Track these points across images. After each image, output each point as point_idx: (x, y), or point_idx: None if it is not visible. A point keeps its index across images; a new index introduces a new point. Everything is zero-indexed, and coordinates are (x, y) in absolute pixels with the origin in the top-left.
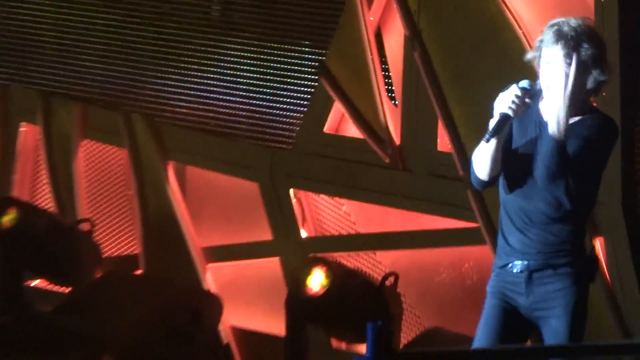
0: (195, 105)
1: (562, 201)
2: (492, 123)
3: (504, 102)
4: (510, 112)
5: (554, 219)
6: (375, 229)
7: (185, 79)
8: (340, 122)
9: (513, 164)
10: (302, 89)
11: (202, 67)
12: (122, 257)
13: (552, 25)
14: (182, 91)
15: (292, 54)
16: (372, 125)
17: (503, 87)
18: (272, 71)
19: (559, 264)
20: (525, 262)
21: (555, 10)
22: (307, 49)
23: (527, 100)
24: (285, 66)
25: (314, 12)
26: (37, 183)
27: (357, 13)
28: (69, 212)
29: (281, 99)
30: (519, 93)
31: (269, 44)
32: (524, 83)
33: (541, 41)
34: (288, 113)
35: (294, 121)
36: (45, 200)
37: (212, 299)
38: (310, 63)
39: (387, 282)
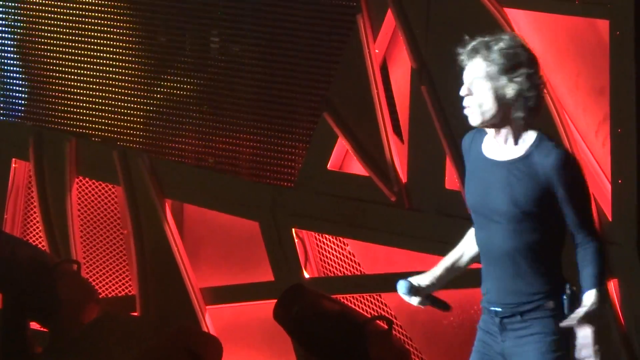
0: (193, 141)
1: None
2: None
3: None
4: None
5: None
6: (380, 269)
7: (183, 113)
8: (344, 158)
9: None
10: (305, 124)
11: (201, 102)
12: (118, 298)
13: None
14: (180, 126)
15: (295, 87)
16: (378, 162)
17: None
18: (273, 105)
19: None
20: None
21: (568, 39)
22: (310, 83)
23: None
24: (288, 100)
25: (317, 44)
26: (29, 221)
27: (362, 45)
28: (63, 251)
29: (283, 135)
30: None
31: (270, 78)
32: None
33: None
34: (290, 149)
35: (296, 158)
36: (38, 238)
37: (210, 341)
38: (313, 97)
39: (377, 325)
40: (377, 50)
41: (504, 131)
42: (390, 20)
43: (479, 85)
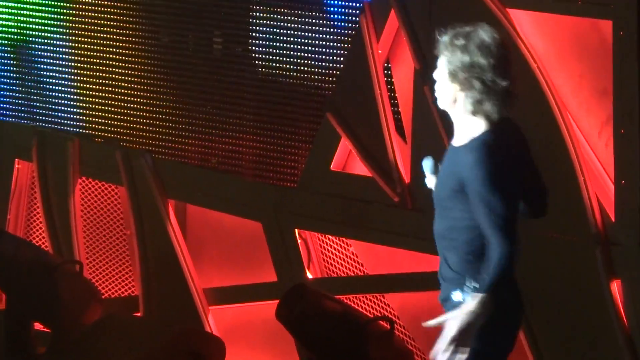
0: (196, 141)
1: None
2: None
3: None
4: None
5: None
6: (383, 270)
7: (186, 113)
8: (347, 159)
9: None
10: (308, 124)
11: (204, 102)
12: (120, 299)
13: None
14: (183, 126)
15: (298, 88)
16: (381, 162)
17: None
18: (276, 106)
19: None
20: None
21: (572, 43)
22: (313, 83)
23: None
24: (291, 101)
25: (321, 45)
26: (32, 221)
27: (365, 46)
28: (65, 251)
29: (286, 135)
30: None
31: (273, 78)
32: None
33: None
34: (293, 150)
35: (299, 158)
36: (41, 239)
37: (214, 342)
38: (316, 98)
39: (379, 326)
40: (380, 51)
41: (457, 119)
42: (393, 20)
43: (441, 75)
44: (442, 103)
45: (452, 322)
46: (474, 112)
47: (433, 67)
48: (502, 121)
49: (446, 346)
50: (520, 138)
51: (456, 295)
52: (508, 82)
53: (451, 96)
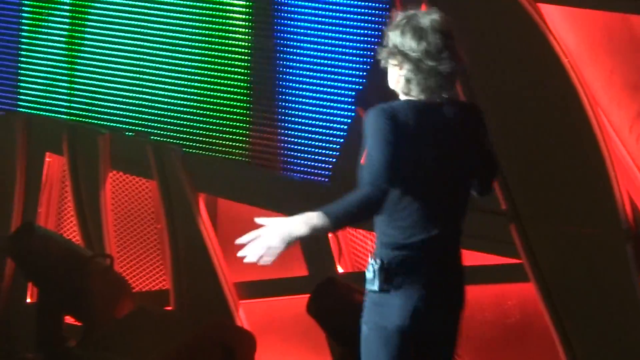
0: (227, 135)
1: None
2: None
3: None
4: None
5: None
6: None
7: (217, 107)
8: None
9: None
10: (339, 119)
11: (234, 95)
12: (151, 293)
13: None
14: (214, 120)
15: (329, 82)
16: None
17: (545, 114)
18: (307, 100)
19: None
20: None
21: (603, 38)
22: (343, 78)
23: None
24: (322, 95)
25: (351, 40)
26: (63, 215)
27: None
28: (96, 245)
29: (317, 129)
30: None
31: (304, 73)
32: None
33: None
34: (324, 144)
35: (331, 152)
36: (72, 233)
37: (244, 336)
38: (347, 92)
39: None
40: None
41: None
42: None
43: (383, 55)
44: (389, 83)
45: (267, 229)
46: (405, 92)
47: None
48: (432, 100)
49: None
50: (465, 117)
51: (369, 267)
52: (441, 65)
53: (394, 76)
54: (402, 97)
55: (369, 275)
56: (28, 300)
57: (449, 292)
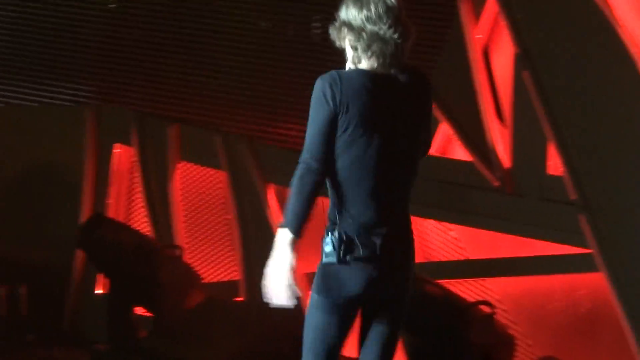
0: (296, 125)
1: None
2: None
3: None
4: None
5: None
6: (484, 254)
7: (286, 98)
8: (446, 144)
9: None
10: None
11: (303, 86)
12: (221, 284)
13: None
14: (282, 111)
15: None
16: (480, 147)
17: (615, 106)
18: None
19: None
20: None
21: None
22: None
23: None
24: None
25: (419, 30)
26: (132, 206)
27: (464, 31)
28: (166, 236)
29: None
30: None
31: None
32: None
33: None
34: None
35: None
36: (141, 223)
37: None
38: None
39: (479, 310)
40: (480, 35)
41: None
42: (492, 5)
43: (334, 29)
44: (347, 63)
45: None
46: (356, 62)
47: (539, 53)
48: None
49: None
50: (417, 89)
51: (326, 239)
52: (381, 30)
53: (347, 51)
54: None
55: (327, 248)
56: (98, 291)
57: (401, 259)
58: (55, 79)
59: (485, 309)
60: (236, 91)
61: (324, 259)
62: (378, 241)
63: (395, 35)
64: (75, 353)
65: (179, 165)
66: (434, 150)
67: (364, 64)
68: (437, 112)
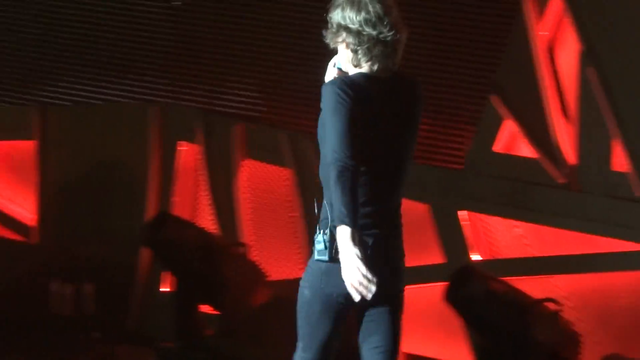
0: None
1: None
2: None
3: None
4: None
5: None
6: (549, 252)
7: None
8: (511, 141)
9: None
10: (472, 106)
11: None
12: (288, 282)
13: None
14: None
15: (462, 70)
16: (545, 144)
17: None
18: (441, 88)
19: None
20: None
21: None
22: (476, 66)
23: None
24: (455, 83)
25: (483, 26)
26: (197, 203)
27: (528, 27)
28: (231, 234)
29: (451, 117)
30: None
31: (437, 60)
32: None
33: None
34: (458, 132)
35: (464, 140)
36: (206, 221)
37: None
38: (479, 80)
39: (545, 308)
40: (544, 32)
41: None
42: (556, 1)
43: (330, 35)
44: (341, 63)
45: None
46: (355, 65)
47: (603, 50)
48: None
49: (351, 286)
50: (412, 92)
51: (318, 237)
52: (382, 33)
53: (343, 54)
54: (354, 71)
55: (319, 246)
56: (164, 289)
57: (394, 259)
58: (122, 77)
59: (551, 306)
60: (302, 89)
61: (316, 256)
62: (370, 240)
63: (396, 38)
64: (140, 351)
65: (244, 163)
66: (499, 148)
67: (365, 67)
68: (501, 109)
